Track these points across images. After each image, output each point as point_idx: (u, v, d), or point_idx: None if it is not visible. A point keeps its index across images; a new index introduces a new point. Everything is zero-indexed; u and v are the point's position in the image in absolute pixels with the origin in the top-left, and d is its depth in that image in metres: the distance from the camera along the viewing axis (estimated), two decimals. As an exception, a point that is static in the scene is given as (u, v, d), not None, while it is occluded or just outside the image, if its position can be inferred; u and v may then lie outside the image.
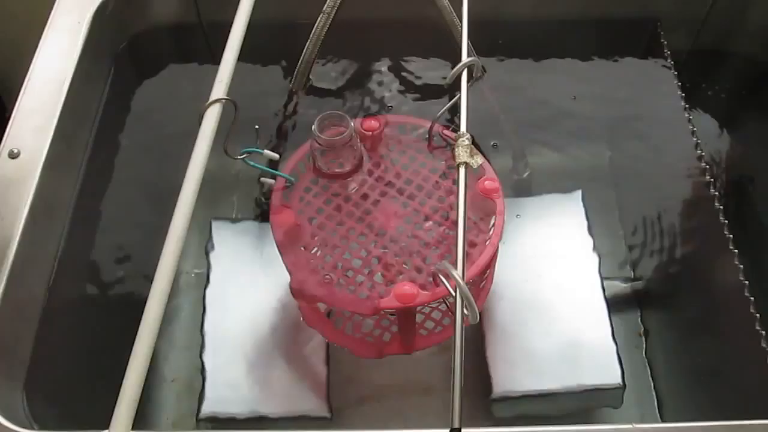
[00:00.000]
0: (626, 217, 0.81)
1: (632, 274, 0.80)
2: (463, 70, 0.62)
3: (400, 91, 0.82)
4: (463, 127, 0.58)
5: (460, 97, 0.61)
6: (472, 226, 0.63)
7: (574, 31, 0.79)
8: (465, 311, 0.49)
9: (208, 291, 0.77)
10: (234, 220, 0.80)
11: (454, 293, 0.52)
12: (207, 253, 0.79)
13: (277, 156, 0.61)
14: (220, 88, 0.55)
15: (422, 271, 0.60)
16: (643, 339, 0.78)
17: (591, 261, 0.74)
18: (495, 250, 0.61)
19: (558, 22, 0.78)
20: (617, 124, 0.83)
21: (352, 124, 0.62)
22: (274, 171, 0.63)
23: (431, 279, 0.59)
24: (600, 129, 0.83)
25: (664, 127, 0.77)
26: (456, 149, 0.57)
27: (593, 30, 0.79)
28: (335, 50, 0.79)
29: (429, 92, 0.82)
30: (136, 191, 0.77)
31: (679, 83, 0.72)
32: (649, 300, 0.78)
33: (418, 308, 0.62)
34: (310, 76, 0.73)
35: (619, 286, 0.79)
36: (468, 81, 0.61)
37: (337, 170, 0.64)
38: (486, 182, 0.64)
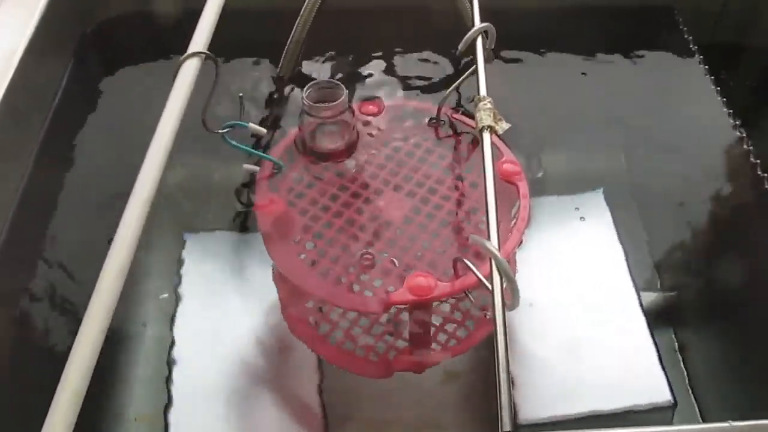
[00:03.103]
0: (650, 221, 0.73)
1: (659, 283, 0.71)
2: (477, 36, 0.54)
3: (395, 85, 0.74)
4: (482, 91, 0.50)
5: (476, 66, 0.53)
6: (492, 215, 0.54)
7: (585, 20, 0.73)
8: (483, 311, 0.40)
9: (177, 318, 0.65)
10: (209, 232, 0.70)
11: (484, 281, 0.43)
12: (178, 272, 0.68)
13: (264, 131, 0.52)
14: (199, 40, 0.46)
15: (436, 265, 0.51)
16: (679, 355, 0.68)
17: (621, 266, 0.65)
18: (521, 235, 0.52)
19: (568, 9, 0.72)
20: (634, 120, 0.75)
21: (347, 94, 0.54)
22: (260, 153, 0.54)
23: (451, 271, 0.49)
24: (616, 126, 0.75)
25: (688, 118, 0.70)
26: (478, 113, 0.48)
27: (605, 20, 0.73)
28: (327, 41, 0.71)
29: (426, 85, 0.75)
30: (93, 183, 0.66)
31: (706, 66, 0.65)
32: (683, 311, 0.69)
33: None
34: (299, 64, 0.65)
35: (648, 297, 0.69)
36: (483, 47, 0.54)
37: (330, 147, 0.55)
38: (505, 165, 0.56)
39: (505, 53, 0.74)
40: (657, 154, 0.73)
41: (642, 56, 0.75)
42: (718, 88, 0.65)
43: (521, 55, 0.75)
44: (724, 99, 0.64)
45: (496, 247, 0.41)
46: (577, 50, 0.75)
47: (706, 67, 0.67)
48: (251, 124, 0.51)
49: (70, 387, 0.34)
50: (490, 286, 0.44)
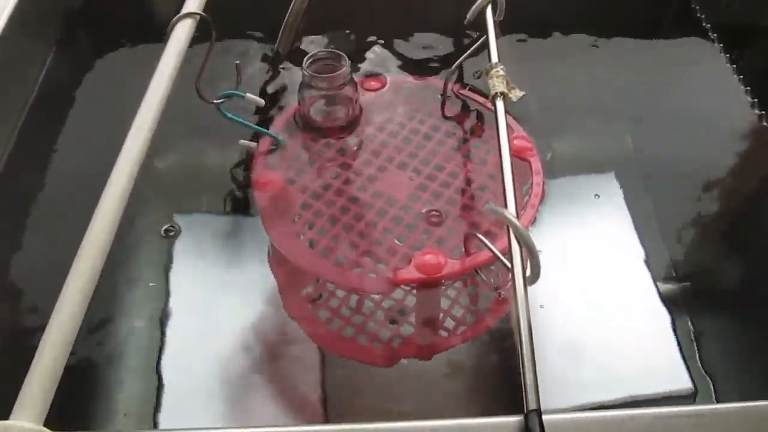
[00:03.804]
0: (661, 207, 0.70)
1: (674, 272, 0.68)
2: (487, 4, 0.51)
3: (396, 62, 0.71)
4: (494, 58, 0.47)
5: (486, 36, 0.50)
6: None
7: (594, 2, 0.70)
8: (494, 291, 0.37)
9: (168, 307, 0.62)
10: (202, 214, 0.66)
11: (500, 255, 0.40)
12: (168, 257, 0.65)
13: (262, 102, 0.49)
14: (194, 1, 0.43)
15: (444, 242, 0.48)
16: (695, 344, 0.65)
17: (637, 249, 0.62)
18: (535, 212, 0.49)
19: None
20: (644, 102, 0.72)
21: (349, 65, 0.51)
22: (257, 127, 0.51)
23: (460, 251, 0.46)
24: (625, 108, 0.72)
25: (701, 99, 0.67)
26: (490, 80, 0.45)
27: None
28: (328, 20, 0.68)
29: (430, 63, 0.72)
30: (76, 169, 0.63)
31: (721, 45, 0.62)
32: (699, 300, 0.66)
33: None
34: (298, 39, 0.62)
35: (662, 282, 0.66)
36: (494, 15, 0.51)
37: (332, 123, 0.52)
38: (516, 141, 0.53)
39: (510, 34, 0.71)
40: (673, 134, 0.70)
41: (653, 36, 0.72)
42: (734, 66, 0.62)
43: (527, 35, 0.73)
44: (741, 76, 0.62)
45: (515, 215, 0.38)
46: (586, 30, 0.72)
47: (721, 45, 0.64)
48: (249, 94, 0.48)
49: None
50: (506, 261, 0.41)
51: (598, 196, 0.65)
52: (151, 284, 0.65)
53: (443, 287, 0.51)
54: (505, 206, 0.40)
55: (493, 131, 0.56)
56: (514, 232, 0.37)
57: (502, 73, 0.46)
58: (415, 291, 0.49)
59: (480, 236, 0.42)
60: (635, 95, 0.72)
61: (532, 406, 0.31)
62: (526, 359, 0.33)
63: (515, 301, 0.35)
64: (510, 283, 0.52)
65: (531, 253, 0.37)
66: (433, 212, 0.50)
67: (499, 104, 0.44)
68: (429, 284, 0.45)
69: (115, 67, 0.69)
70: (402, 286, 0.46)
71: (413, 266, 0.44)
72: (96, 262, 0.35)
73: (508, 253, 0.44)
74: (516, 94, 0.45)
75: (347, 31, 0.70)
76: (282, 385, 0.59)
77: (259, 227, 0.63)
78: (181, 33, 0.42)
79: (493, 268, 0.50)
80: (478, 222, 0.50)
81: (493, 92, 0.45)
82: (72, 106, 0.68)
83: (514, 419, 0.32)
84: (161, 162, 0.64)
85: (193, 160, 0.66)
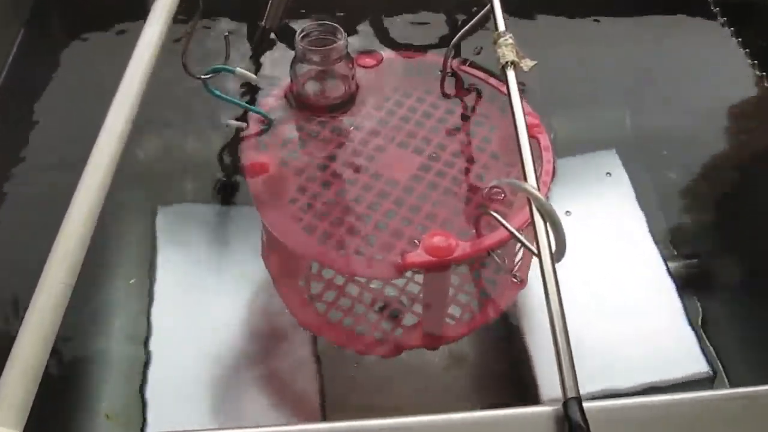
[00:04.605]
0: (661, 187, 0.68)
1: (675, 251, 0.66)
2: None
3: (390, 41, 0.68)
4: (501, 26, 0.44)
5: (491, 3, 0.47)
6: (510, 173, 0.48)
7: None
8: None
9: (152, 304, 0.58)
10: (187, 204, 0.62)
11: (517, 234, 0.37)
12: (152, 251, 0.61)
13: (254, 77, 0.45)
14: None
15: (452, 224, 0.45)
16: (701, 329, 0.63)
17: (642, 228, 0.60)
18: (547, 189, 0.46)
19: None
20: (642, 82, 0.70)
21: (346, 37, 0.47)
22: (247, 105, 0.48)
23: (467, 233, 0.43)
24: (623, 88, 0.70)
25: (710, 72, 0.65)
26: (499, 49, 0.43)
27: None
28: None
29: (426, 40, 0.69)
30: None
31: (724, 18, 0.60)
32: (705, 281, 0.64)
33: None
34: (287, 15, 0.59)
35: (678, 269, 0.64)
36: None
37: (327, 101, 0.49)
38: (523, 117, 0.50)
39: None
40: (670, 123, 0.68)
41: (656, 15, 0.70)
42: (740, 39, 0.60)
43: (525, 12, 0.70)
44: (747, 50, 0.60)
45: (536, 187, 0.35)
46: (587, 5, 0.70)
47: (725, 18, 0.62)
48: (239, 69, 0.44)
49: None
50: (523, 240, 0.38)
51: (610, 174, 0.63)
52: (131, 281, 0.61)
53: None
54: (524, 180, 0.37)
55: (495, 107, 0.53)
56: (537, 206, 0.34)
57: (511, 41, 0.43)
58: (421, 276, 0.46)
59: (494, 214, 0.40)
60: (634, 72, 0.70)
61: (571, 393, 0.29)
62: (560, 345, 0.30)
63: (545, 282, 0.32)
64: (519, 264, 0.50)
65: (556, 229, 0.34)
66: (435, 193, 0.47)
67: (510, 74, 0.41)
68: (439, 267, 0.42)
69: (90, 49, 0.65)
70: (410, 270, 0.43)
71: (422, 249, 0.41)
72: (76, 251, 0.32)
73: (524, 230, 0.41)
74: (527, 64, 0.42)
75: (340, 10, 0.67)
76: (277, 381, 0.55)
77: (248, 215, 0.60)
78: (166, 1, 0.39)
79: (499, 251, 0.47)
80: (484, 202, 0.47)
81: (503, 62, 0.42)
82: (42, 93, 0.64)
83: (551, 409, 0.29)
84: (140, 148, 0.60)
85: (176, 144, 0.61)
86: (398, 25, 0.69)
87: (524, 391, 0.55)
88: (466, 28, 0.51)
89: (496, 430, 0.30)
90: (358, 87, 0.52)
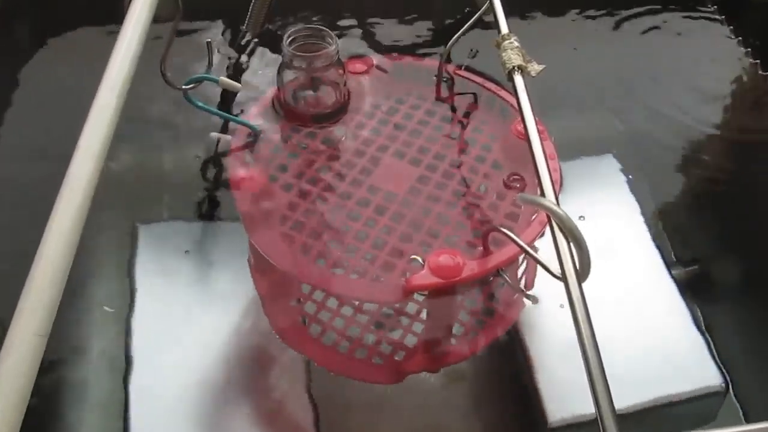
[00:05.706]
0: (658, 191, 0.65)
1: (673, 257, 0.64)
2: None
3: (379, 47, 0.65)
4: (504, 28, 0.41)
5: (491, 4, 0.44)
6: (513, 180, 0.46)
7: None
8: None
9: (133, 333, 0.54)
10: (168, 221, 0.58)
11: (530, 251, 0.34)
12: (130, 272, 0.57)
13: (239, 86, 0.42)
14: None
15: (455, 240, 0.42)
16: (707, 337, 0.60)
17: (645, 237, 0.57)
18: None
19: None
20: (633, 83, 0.68)
21: (337, 42, 0.44)
22: (232, 117, 0.44)
23: (473, 250, 0.40)
24: (614, 90, 0.68)
25: (703, 74, 0.63)
26: (504, 53, 0.40)
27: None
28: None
29: (419, 47, 0.66)
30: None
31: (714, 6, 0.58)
32: (708, 288, 0.61)
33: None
34: (269, 20, 0.55)
35: (685, 278, 0.62)
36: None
37: (316, 110, 0.45)
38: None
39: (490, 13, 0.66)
40: (664, 125, 0.66)
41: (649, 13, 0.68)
42: (731, 27, 0.58)
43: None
44: (740, 38, 0.58)
45: (555, 202, 0.32)
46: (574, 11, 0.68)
47: (714, 6, 0.60)
48: (223, 78, 0.41)
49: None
50: (537, 257, 0.35)
51: (604, 180, 0.60)
52: (108, 310, 0.57)
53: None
54: (541, 194, 0.34)
55: (494, 114, 0.51)
56: (557, 223, 0.31)
57: (516, 44, 0.40)
58: (425, 298, 0.43)
59: (505, 230, 0.37)
60: (622, 77, 0.68)
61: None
62: (593, 366, 0.27)
63: (573, 309, 0.29)
64: (523, 277, 0.47)
65: (580, 246, 0.31)
66: (437, 207, 0.44)
67: (518, 79, 0.38)
68: (446, 290, 0.39)
69: (55, 56, 0.61)
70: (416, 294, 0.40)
71: (428, 270, 0.38)
72: (51, 299, 0.28)
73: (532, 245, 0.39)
74: (534, 68, 0.39)
75: (326, 14, 0.64)
76: (267, 406, 0.52)
77: (234, 233, 0.56)
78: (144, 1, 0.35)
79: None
80: (489, 216, 0.44)
81: (509, 66, 0.39)
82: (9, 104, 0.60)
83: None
84: (117, 162, 0.57)
85: (155, 158, 0.58)
86: (388, 28, 0.66)
87: (526, 408, 0.52)
88: (462, 30, 0.48)
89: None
90: (350, 95, 0.49)
